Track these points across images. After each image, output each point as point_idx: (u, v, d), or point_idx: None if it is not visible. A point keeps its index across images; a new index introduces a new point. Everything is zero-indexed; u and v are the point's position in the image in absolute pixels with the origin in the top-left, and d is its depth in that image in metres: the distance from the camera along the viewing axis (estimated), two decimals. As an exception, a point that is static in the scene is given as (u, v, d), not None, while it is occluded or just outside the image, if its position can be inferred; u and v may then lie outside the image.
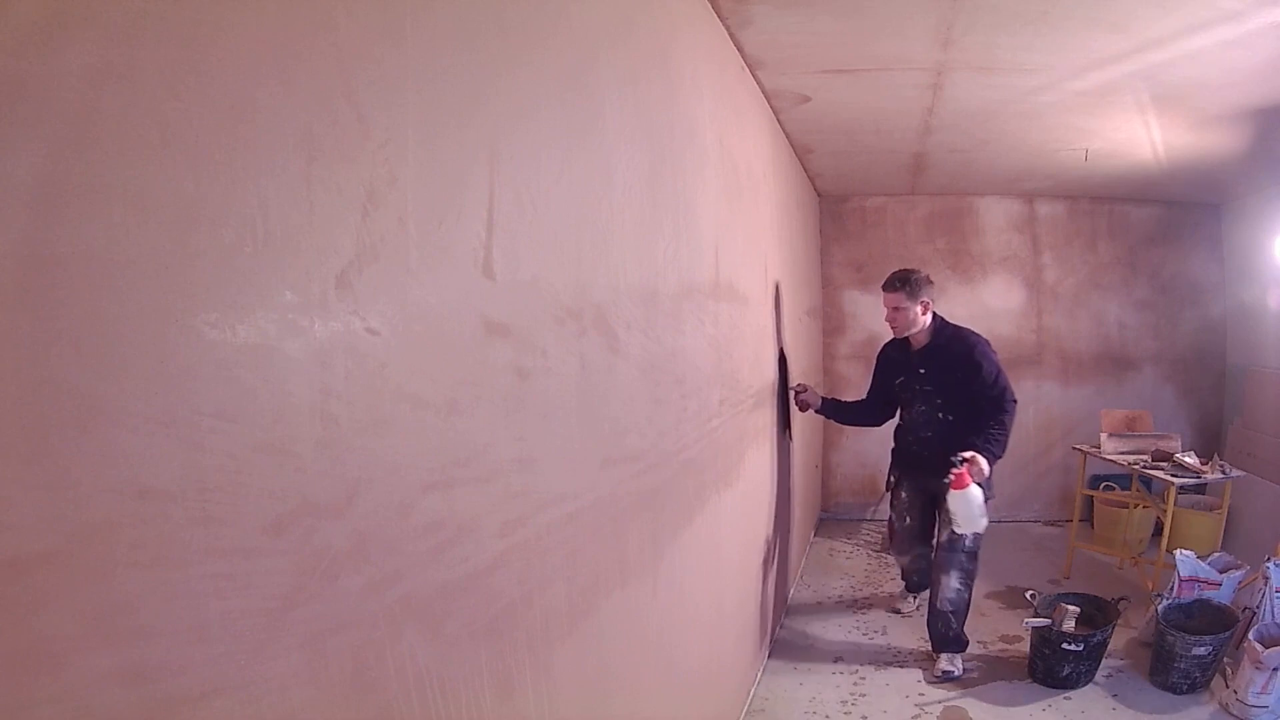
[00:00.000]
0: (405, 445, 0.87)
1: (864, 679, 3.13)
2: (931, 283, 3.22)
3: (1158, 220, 5.28)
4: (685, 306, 1.97)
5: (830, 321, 5.48)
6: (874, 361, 3.57)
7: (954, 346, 3.15)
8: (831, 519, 5.47)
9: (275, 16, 0.70)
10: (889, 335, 3.44)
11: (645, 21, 1.72)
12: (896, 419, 3.50)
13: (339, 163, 0.77)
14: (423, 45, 0.91)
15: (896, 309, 3.17)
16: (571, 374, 1.29)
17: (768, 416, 3.16)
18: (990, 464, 2.92)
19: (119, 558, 0.55)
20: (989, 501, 2.99)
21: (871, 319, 5.39)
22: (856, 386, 5.41)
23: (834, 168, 4.53)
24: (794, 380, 3.68)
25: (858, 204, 5.42)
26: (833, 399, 3.63)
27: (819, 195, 5.32)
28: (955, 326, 3.24)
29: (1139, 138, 3.68)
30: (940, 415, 3.22)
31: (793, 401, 3.55)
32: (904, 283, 3.14)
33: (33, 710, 0.50)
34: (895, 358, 3.38)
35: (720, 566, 2.38)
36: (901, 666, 3.21)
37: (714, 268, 2.29)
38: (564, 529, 1.26)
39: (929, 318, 3.19)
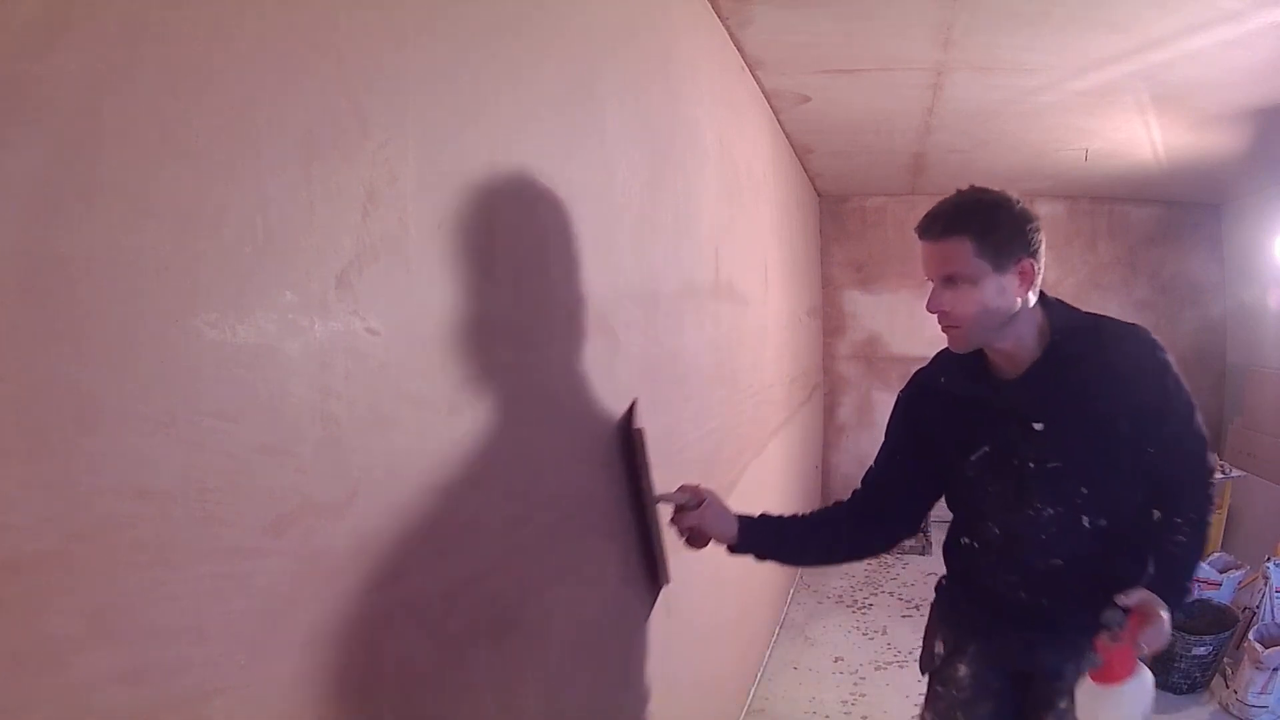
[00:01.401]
0: (405, 445, 0.87)
1: (864, 679, 3.13)
2: (1035, 224, 1.35)
3: (1158, 220, 5.28)
4: (685, 307, 1.97)
5: (830, 321, 5.47)
6: (888, 409, 1.60)
7: (1110, 362, 1.36)
8: (831, 519, 5.46)
9: (275, 16, 0.70)
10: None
11: (647, 23, 1.72)
12: (943, 529, 1.61)
13: (339, 163, 0.77)
14: (424, 45, 0.91)
15: (952, 279, 1.33)
16: (572, 374, 1.29)
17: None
18: (1173, 614, 1.25)
19: (119, 558, 0.55)
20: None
21: (871, 319, 5.38)
22: (858, 388, 5.41)
23: (834, 168, 4.53)
24: (660, 483, 1.52)
25: (858, 204, 5.42)
26: (766, 519, 1.54)
27: (819, 195, 5.31)
28: (1096, 317, 1.44)
29: (1139, 138, 3.67)
30: (1086, 520, 1.39)
31: (660, 527, 1.55)
32: (974, 217, 1.31)
33: (33, 710, 0.50)
34: (958, 399, 1.45)
35: (721, 567, 2.38)
36: (901, 666, 3.21)
37: (714, 268, 2.29)
38: (564, 529, 1.26)
39: (1032, 299, 1.38)
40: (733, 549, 1.50)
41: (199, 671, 0.61)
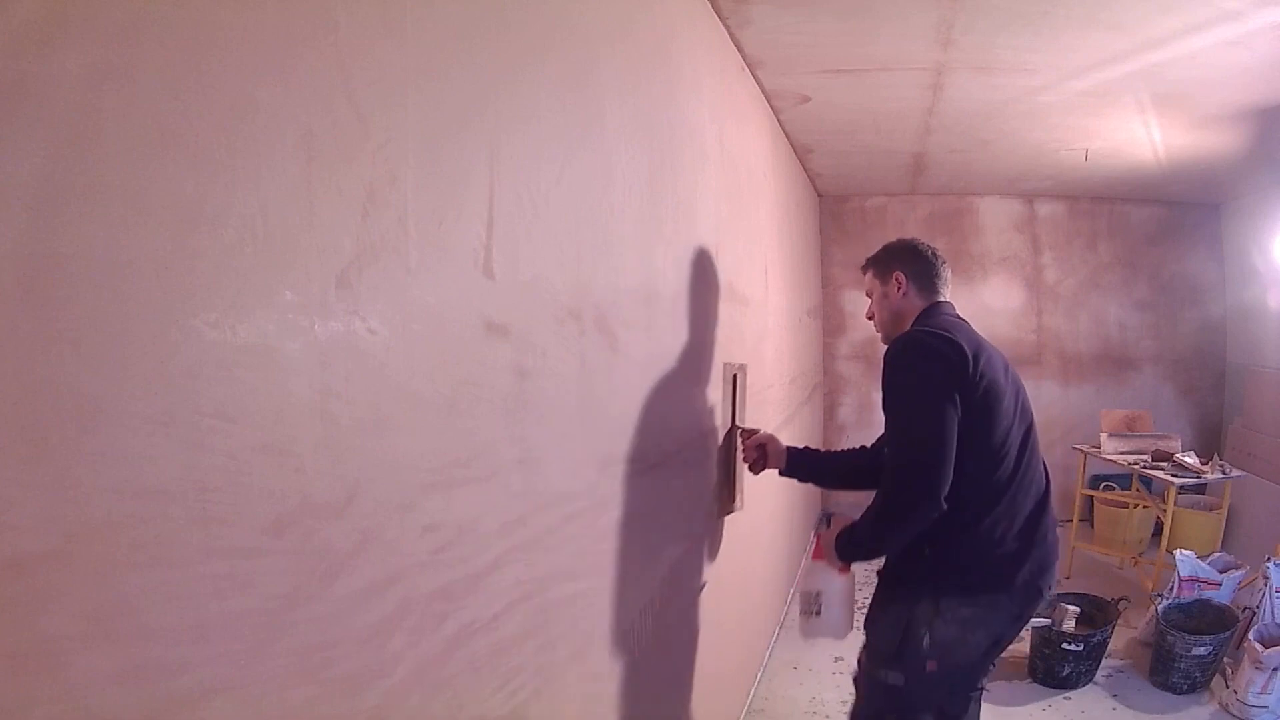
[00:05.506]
0: (405, 445, 0.86)
1: (864, 679, 3.13)
2: (919, 252, 1.92)
3: (1158, 220, 5.28)
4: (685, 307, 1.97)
5: (830, 321, 5.47)
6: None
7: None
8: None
9: (275, 16, 0.70)
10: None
11: (645, 22, 1.72)
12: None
13: (339, 163, 0.77)
14: (423, 45, 0.91)
15: (870, 296, 2.02)
16: (571, 374, 1.29)
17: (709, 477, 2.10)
18: (841, 549, 1.75)
19: (119, 558, 0.55)
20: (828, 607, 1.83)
21: (871, 319, 5.37)
22: (858, 388, 5.41)
23: (834, 168, 4.53)
24: (745, 420, 2.30)
25: (858, 204, 5.42)
26: (808, 454, 2.18)
27: (819, 195, 5.31)
28: (927, 327, 1.74)
29: (1139, 138, 3.67)
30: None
31: (739, 454, 2.22)
32: (873, 258, 1.99)
33: (33, 710, 0.50)
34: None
35: (720, 565, 2.38)
36: (901, 666, 3.21)
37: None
38: (564, 529, 1.26)
39: (905, 302, 1.90)
40: (782, 472, 2.12)
41: (199, 671, 0.61)
